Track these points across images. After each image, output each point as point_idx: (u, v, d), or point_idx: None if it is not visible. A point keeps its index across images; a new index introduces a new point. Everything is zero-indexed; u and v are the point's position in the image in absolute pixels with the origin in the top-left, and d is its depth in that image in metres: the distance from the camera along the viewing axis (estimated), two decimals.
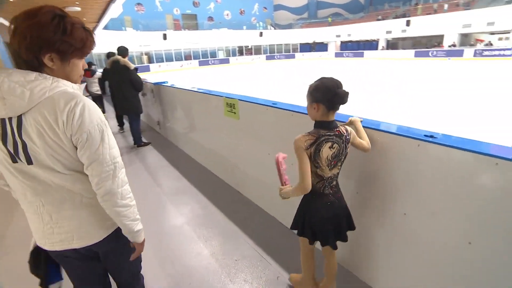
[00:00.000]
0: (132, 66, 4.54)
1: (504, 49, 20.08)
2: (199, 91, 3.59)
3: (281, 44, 36.57)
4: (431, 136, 1.43)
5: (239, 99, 2.72)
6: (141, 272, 1.42)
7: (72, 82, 1.00)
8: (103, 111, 6.01)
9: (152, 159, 4.47)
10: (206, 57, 30.97)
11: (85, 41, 0.99)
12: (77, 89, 1.01)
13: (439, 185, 1.39)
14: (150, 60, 27.21)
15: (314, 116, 1.39)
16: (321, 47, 36.58)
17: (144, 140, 5.13)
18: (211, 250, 2.31)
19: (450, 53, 22.29)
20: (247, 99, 2.67)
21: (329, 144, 1.35)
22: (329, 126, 1.36)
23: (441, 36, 23.88)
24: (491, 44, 21.93)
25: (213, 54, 31.99)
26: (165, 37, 27.24)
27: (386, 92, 10.59)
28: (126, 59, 4.54)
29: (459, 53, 21.85)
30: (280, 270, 2.07)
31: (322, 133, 1.34)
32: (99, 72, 6.86)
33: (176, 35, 28.53)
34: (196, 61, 29.56)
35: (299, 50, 37.79)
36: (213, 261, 2.19)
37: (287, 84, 14.17)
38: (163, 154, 4.60)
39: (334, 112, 1.37)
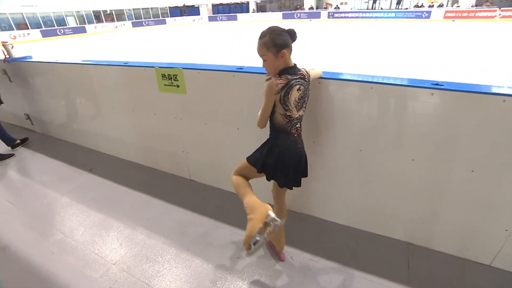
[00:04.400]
0: None
1: (347, 12, 24.69)
2: (105, 64, 2.66)
3: (148, 8, 32.39)
4: (437, 84, 1.49)
5: (184, 68, 2.14)
6: None
7: None
8: None
9: (52, 170, 3.19)
10: (51, 26, 24.14)
11: None
12: None
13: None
14: None
15: (278, 66, 1.40)
16: (193, 10, 34.65)
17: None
18: (202, 262, 1.89)
19: (310, 15, 25.61)
20: (196, 67, 2.12)
21: (297, 87, 1.41)
22: (294, 71, 1.42)
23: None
24: (338, 8, 26.44)
25: (61, 22, 25.25)
26: None
27: None
28: None
29: (317, 15, 25.41)
30: (287, 249, 1.91)
31: (290, 78, 1.38)
32: None
33: None
34: (37, 31, 22.64)
35: (169, 14, 34.59)
36: (220, 272, 1.79)
37: (163, 55, 12.87)
38: (60, 157, 3.35)
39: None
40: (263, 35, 1.38)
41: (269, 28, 1.39)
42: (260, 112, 1.46)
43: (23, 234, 2.18)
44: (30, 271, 1.84)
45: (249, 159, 1.56)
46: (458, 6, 24.34)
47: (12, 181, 2.95)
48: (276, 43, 1.35)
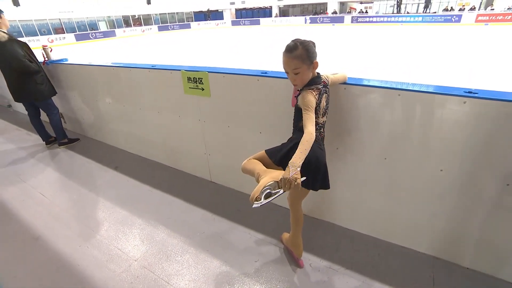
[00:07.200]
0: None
1: (371, 16, 24.21)
2: (134, 66, 2.78)
3: (173, 13, 33.45)
4: (470, 92, 1.42)
5: (209, 71, 2.19)
6: None
7: None
8: None
9: (82, 165, 3.38)
10: (84, 30, 25.57)
11: None
12: None
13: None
14: None
15: (308, 77, 1.41)
16: (216, 15, 35.37)
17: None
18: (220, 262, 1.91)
19: (334, 20, 25.33)
20: (221, 71, 2.16)
21: (325, 95, 1.45)
22: (320, 79, 1.44)
23: (325, 4, 26.68)
24: (363, 12, 25.99)
25: (93, 26, 26.69)
26: (15, 2, 20.77)
27: None
28: None
29: (341, 20, 25.11)
30: (306, 255, 1.88)
31: (320, 87, 1.41)
32: None
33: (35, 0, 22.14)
34: (71, 35, 24.06)
35: (193, 19, 35.53)
36: (238, 275, 1.81)
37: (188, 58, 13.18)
38: (88, 155, 3.53)
39: None
40: (294, 48, 1.34)
41: (296, 40, 1.36)
42: (309, 121, 1.33)
43: (53, 226, 2.30)
44: (59, 261, 1.95)
45: (267, 150, 1.57)
46: (492, 9, 23.09)
47: (44, 175, 3.13)
48: (309, 54, 1.34)
